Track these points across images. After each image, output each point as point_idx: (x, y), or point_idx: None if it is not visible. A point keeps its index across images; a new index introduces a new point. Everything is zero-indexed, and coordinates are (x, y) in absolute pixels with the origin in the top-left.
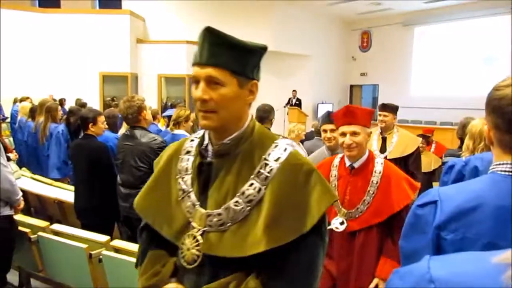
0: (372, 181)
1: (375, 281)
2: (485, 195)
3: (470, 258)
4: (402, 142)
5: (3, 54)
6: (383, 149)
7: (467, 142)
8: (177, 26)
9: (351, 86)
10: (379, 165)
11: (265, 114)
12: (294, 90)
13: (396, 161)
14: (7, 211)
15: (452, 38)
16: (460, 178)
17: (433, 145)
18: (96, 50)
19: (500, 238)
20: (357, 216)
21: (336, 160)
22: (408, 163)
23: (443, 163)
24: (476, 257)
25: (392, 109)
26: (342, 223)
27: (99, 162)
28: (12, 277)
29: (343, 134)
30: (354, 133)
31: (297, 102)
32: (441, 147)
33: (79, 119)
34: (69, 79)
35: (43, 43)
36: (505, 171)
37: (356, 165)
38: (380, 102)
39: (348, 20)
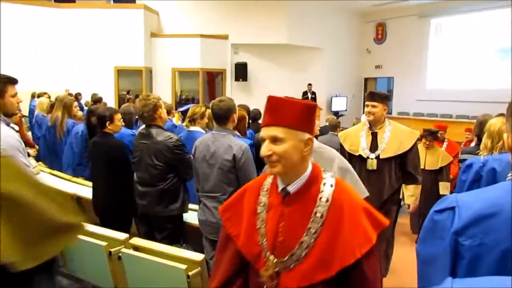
0: (315, 214)
1: None
2: (503, 202)
3: (493, 282)
4: (396, 138)
5: (19, 49)
6: (374, 147)
7: (485, 141)
8: (191, 20)
9: (366, 79)
10: (327, 189)
11: None
12: (309, 84)
13: (390, 160)
14: None
15: (469, 30)
16: (478, 179)
17: (445, 143)
18: (111, 44)
19: None
20: (291, 266)
21: (268, 181)
22: (405, 161)
23: (460, 161)
24: (500, 281)
25: (381, 98)
26: (269, 279)
27: (117, 160)
28: None
29: (263, 140)
30: (274, 139)
31: (312, 96)
32: (454, 146)
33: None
34: (85, 74)
35: (59, 38)
36: None
37: (291, 189)
38: (395, 95)
39: (363, 12)
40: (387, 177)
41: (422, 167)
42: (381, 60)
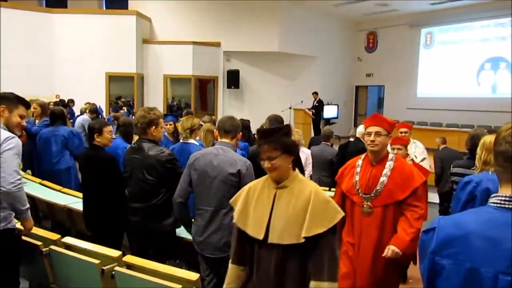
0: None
1: None
2: (474, 225)
3: None
4: None
5: (9, 53)
6: None
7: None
8: (184, 26)
9: (357, 87)
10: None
11: (277, 125)
12: (315, 93)
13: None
14: (10, 225)
15: (459, 40)
16: (471, 199)
17: (389, 164)
18: (103, 50)
19: (482, 265)
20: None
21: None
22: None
23: (452, 174)
24: None
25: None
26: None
27: (107, 173)
28: (23, 284)
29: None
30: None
31: (316, 104)
32: (405, 173)
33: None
34: (76, 79)
35: (50, 43)
36: (494, 203)
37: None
38: (386, 103)
39: (355, 20)
40: None
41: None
42: (372, 68)
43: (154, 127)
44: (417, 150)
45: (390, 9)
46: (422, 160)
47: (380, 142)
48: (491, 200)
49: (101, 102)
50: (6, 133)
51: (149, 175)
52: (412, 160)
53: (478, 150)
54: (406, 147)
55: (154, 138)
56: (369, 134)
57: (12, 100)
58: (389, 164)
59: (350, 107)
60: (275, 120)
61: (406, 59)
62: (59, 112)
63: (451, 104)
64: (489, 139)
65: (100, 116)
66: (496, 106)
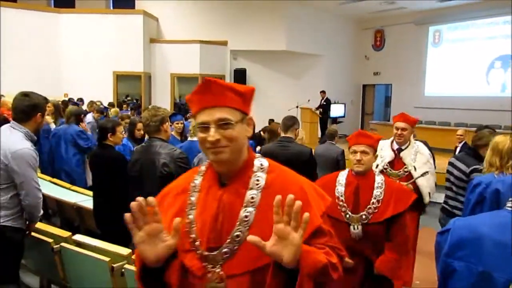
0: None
1: None
2: (487, 228)
3: None
4: None
5: (19, 53)
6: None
7: (493, 158)
8: (190, 26)
9: (364, 86)
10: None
11: (290, 122)
12: (322, 91)
13: None
14: (16, 223)
15: (467, 37)
16: (481, 200)
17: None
18: (110, 49)
19: (495, 269)
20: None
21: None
22: None
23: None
24: None
25: None
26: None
27: (118, 172)
28: (33, 280)
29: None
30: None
31: (324, 103)
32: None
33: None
34: (83, 78)
35: (58, 43)
36: (510, 207)
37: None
38: (393, 102)
39: (361, 19)
40: None
41: None
42: (380, 66)
43: (167, 123)
44: (419, 159)
45: (397, 7)
46: (422, 175)
47: (233, 136)
48: (508, 204)
49: (109, 101)
50: (19, 143)
51: (159, 173)
52: (381, 171)
53: (487, 151)
54: (375, 150)
55: (166, 135)
56: (205, 128)
57: (44, 105)
58: (252, 192)
59: (357, 106)
60: (291, 119)
61: (414, 58)
62: (75, 111)
63: (460, 103)
64: (496, 139)
65: (106, 115)
66: (505, 105)
